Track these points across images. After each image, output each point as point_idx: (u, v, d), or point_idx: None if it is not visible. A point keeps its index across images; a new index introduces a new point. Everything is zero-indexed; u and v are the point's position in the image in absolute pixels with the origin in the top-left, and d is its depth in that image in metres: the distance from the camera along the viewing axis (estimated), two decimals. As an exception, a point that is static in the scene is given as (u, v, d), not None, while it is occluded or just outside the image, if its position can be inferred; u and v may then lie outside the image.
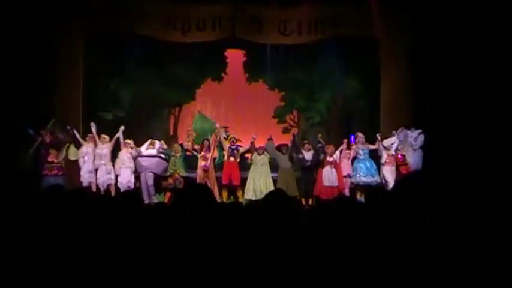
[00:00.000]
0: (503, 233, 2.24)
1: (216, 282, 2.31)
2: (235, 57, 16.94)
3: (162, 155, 12.38)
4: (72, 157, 12.21)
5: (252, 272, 2.37)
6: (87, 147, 12.06)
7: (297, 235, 2.70)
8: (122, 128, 12.32)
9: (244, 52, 16.82)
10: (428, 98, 12.67)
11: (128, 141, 12.35)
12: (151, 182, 12.14)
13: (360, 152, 12.35)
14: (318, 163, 12.34)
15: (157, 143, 12.53)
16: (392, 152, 12.22)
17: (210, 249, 2.43)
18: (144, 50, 15.16)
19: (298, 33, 14.02)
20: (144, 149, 12.34)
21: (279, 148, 12.91)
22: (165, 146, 12.62)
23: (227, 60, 16.98)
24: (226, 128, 14.48)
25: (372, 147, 12.43)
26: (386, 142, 12.37)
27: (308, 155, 12.54)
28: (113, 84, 15.47)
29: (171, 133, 17.06)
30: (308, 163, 12.43)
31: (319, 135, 13.12)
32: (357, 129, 13.26)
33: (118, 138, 12.21)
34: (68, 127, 12.25)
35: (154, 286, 2.37)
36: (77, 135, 12.24)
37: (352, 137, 13.13)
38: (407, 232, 2.09)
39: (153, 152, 12.33)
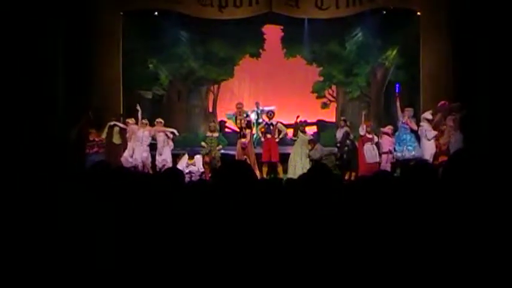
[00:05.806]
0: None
1: (253, 256, 2.34)
2: (272, 32, 16.82)
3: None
4: (116, 141, 12.36)
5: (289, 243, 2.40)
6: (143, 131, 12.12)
7: (334, 210, 2.71)
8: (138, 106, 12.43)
9: (281, 27, 16.67)
10: (470, 71, 12.38)
11: (159, 120, 12.53)
12: None
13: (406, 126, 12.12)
14: (346, 144, 12.46)
15: (197, 158, 12.45)
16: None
17: (247, 225, 2.45)
18: (181, 28, 15.22)
19: (336, 6, 13.83)
20: (185, 166, 12.14)
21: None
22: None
23: (264, 36, 16.88)
24: (257, 103, 14.53)
25: (415, 127, 12.15)
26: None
27: (339, 133, 12.68)
28: (152, 62, 15.58)
29: (210, 110, 17.17)
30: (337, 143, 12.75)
31: (364, 113, 13.11)
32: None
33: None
34: (138, 107, 12.39)
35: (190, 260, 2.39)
36: (140, 116, 12.34)
37: (398, 85, 13.14)
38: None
39: (197, 168, 12.30)
